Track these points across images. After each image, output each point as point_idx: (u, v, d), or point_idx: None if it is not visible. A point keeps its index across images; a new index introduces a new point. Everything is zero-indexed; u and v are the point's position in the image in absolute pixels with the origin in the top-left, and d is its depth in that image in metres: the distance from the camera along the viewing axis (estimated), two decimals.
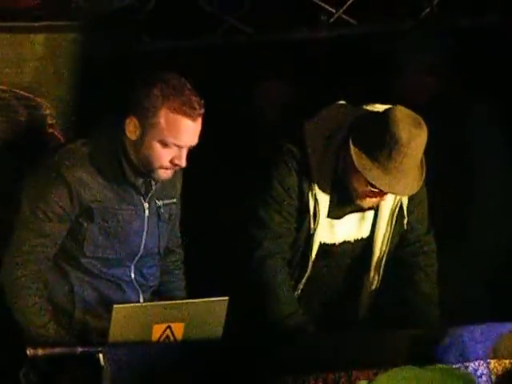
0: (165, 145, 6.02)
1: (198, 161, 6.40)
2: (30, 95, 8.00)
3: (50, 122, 7.98)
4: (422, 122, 6.17)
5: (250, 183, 6.86)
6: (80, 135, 6.62)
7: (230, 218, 7.46)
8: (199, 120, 6.05)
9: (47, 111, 8.04)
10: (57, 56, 8.10)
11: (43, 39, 8.15)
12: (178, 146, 6.01)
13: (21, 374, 5.78)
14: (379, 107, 6.38)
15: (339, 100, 6.75)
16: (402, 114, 6.10)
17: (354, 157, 6.07)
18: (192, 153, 6.16)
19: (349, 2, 9.32)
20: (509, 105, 8.91)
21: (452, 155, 8.25)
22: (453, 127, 8.49)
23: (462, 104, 9.27)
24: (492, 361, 5.95)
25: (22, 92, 8.11)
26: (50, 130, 7.99)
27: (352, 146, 6.10)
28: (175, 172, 6.25)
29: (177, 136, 6.01)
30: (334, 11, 9.38)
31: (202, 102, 6.01)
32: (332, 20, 9.44)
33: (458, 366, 5.82)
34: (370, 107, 6.51)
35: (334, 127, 6.35)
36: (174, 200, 6.60)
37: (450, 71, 9.48)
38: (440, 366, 5.36)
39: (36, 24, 8.04)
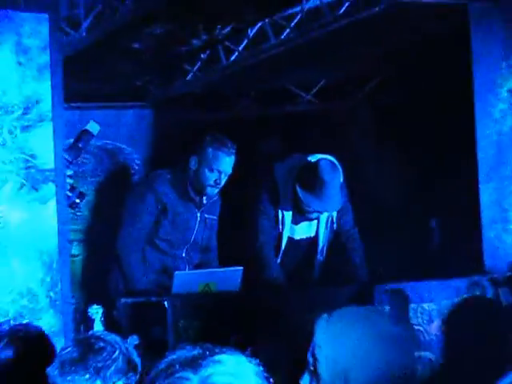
0: (211, 170, 8.83)
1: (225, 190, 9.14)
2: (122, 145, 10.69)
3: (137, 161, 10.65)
4: (338, 166, 8.76)
5: (252, 204, 9.31)
6: (155, 168, 9.56)
7: (241, 224, 9.57)
8: (232, 157, 8.82)
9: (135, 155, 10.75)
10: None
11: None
12: (219, 171, 8.86)
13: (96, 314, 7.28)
14: (316, 156, 8.86)
15: (296, 152, 9.34)
16: (326, 163, 8.67)
17: (300, 194, 8.74)
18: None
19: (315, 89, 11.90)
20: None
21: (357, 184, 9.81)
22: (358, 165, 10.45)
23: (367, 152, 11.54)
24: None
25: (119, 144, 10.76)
26: (136, 167, 10.67)
27: (299, 188, 8.75)
28: (215, 196, 9.08)
29: (217, 162, 8.81)
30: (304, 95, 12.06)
31: (235, 146, 8.74)
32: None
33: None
34: (311, 157, 8.95)
35: (291, 171, 8.94)
36: (215, 217, 9.31)
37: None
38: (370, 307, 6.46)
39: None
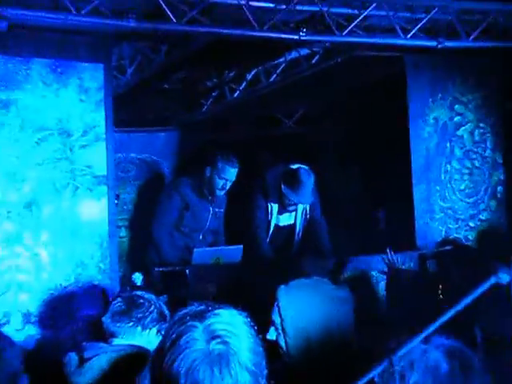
0: (220, 178, 8.82)
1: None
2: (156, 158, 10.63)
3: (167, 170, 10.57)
4: (311, 173, 8.74)
5: (250, 200, 9.20)
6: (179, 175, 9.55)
7: (242, 215, 9.33)
8: (236, 169, 8.79)
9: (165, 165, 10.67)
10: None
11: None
12: (226, 179, 8.85)
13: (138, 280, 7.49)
14: (296, 165, 8.86)
15: (281, 162, 9.29)
16: (303, 170, 8.69)
17: (284, 191, 8.71)
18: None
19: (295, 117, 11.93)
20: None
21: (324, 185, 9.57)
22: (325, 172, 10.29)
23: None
24: None
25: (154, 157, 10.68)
26: (166, 174, 10.58)
27: (283, 186, 8.73)
28: (223, 195, 9.03)
29: (224, 173, 8.81)
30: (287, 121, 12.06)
31: (238, 160, 8.74)
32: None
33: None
34: (293, 165, 8.90)
35: (277, 176, 8.92)
36: (222, 210, 9.27)
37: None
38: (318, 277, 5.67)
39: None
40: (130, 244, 10.11)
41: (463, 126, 9.39)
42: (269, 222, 9.17)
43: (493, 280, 1.05)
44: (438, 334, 2.59)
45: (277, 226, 9.23)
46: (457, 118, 9.35)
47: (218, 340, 2.33)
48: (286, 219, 9.24)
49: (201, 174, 8.94)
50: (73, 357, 4.39)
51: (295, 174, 8.76)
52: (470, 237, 9.31)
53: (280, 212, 9.13)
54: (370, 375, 1.05)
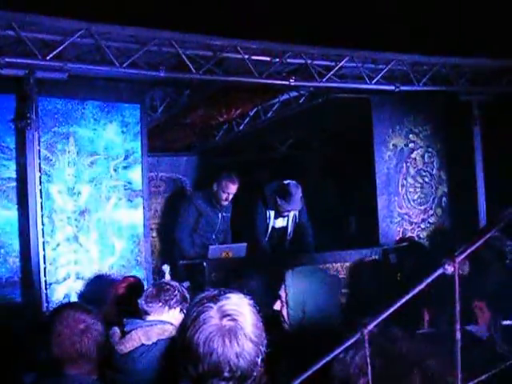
0: (223, 192, 8.74)
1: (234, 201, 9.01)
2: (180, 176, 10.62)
3: (188, 185, 10.53)
4: (299, 185, 8.61)
5: (252, 208, 9.03)
6: (197, 189, 9.51)
7: (246, 220, 9.18)
8: (236, 185, 8.72)
9: (187, 182, 10.65)
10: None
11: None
12: (228, 193, 8.77)
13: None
14: (287, 181, 8.69)
15: (276, 179, 9.06)
16: (293, 184, 8.56)
17: (278, 202, 8.58)
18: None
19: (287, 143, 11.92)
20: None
21: (309, 196, 9.37)
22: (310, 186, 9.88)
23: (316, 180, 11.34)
24: None
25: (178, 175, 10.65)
26: (188, 188, 10.50)
27: (277, 198, 8.60)
28: (228, 203, 8.89)
29: (227, 188, 8.76)
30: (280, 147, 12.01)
31: (238, 179, 8.70)
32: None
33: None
34: (285, 181, 8.71)
35: (273, 189, 8.80)
36: (228, 214, 9.14)
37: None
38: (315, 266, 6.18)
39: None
40: (159, 243, 10.06)
41: (416, 150, 9.43)
42: (267, 225, 9.08)
43: (440, 271, 1.08)
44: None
45: (273, 228, 9.13)
46: (411, 145, 9.39)
47: (229, 318, 2.38)
48: (280, 223, 9.14)
49: (210, 189, 8.89)
50: (116, 330, 4.46)
51: (286, 188, 8.70)
52: (421, 236, 9.32)
53: (276, 217, 9.04)
54: (345, 345, 1.08)
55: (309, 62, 7.80)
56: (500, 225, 1.25)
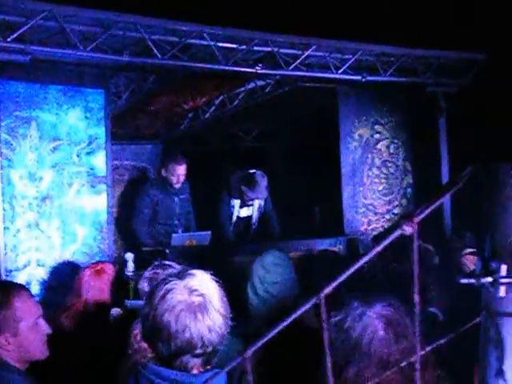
0: (172, 175, 8.67)
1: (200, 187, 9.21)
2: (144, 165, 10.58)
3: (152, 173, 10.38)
4: (264, 175, 8.69)
5: (218, 197, 9.05)
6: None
7: (211, 209, 9.17)
8: (183, 166, 8.64)
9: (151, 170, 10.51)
10: None
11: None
12: (177, 175, 8.67)
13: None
14: (253, 170, 8.77)
15: (241, 169, 9.05)
16: (258, 173, 8.62)
17: (243, 190, 8.62)
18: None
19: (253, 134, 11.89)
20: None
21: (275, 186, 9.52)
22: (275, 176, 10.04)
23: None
24: None
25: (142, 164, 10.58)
26: (152, 176, 10.27)
27: (243, 186, 8.64)
28: (182, 185, 8.81)
29: (174, 171, 8.68)
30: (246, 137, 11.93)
31: (184, 159, 8.65)
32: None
33: None
34: (250, 170, 8.79)
35: (239, 178, 8.83)
36: (185, 195, 9.05)
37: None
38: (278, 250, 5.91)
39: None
40: (122, 231, 9.97)
41: (381, 141, 9.47)
42: (232, 214, 9.09)
43: (398, 232, 1.09)
44: (380, 301, 2.57)
45: (238, 217, 9.14)
46: (376, 135, 9.43)
47: (197, 293, 2.39)
48: (245, 212, 9.16)
49: (160, 175, 8.89)
50: (117, 310, 4.64)
51: (252, 177, 8.73)
52: (386, 226, 9.31)
53: (241, 206, 9.06)
54: (302, 308, 1.08)
55: (275, 50, 7.81)
56: (459, 184, 1.27)
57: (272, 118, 10.97)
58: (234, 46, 7.57)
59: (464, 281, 1.28)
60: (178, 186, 8.86)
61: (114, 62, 7.11)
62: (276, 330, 1.28)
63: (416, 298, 1.05)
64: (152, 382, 2.37)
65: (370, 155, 9.37)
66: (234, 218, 9.16)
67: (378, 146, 9.45)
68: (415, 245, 1.02)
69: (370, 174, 9.36)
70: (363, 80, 8.46)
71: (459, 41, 8.55)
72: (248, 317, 4.18)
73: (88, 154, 7.52)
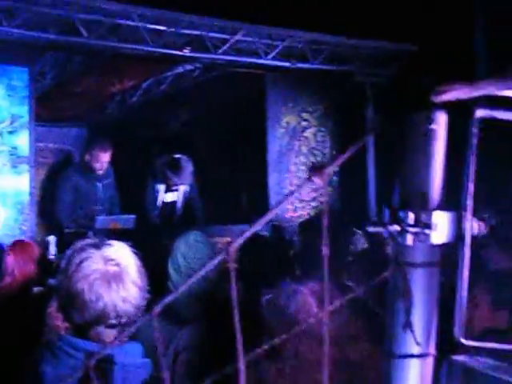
0: (96, 161, 8.63)
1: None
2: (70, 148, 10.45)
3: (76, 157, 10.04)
4: (189, 160, 8.67)
5: (144, 181, 9.05)
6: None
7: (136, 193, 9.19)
8: (108, 153, 8.64)
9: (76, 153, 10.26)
10: None
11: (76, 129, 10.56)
12: (101, 161, 8.67)
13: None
14: (178, 155, 8.75)
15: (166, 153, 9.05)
16: (183, 158, 8.63)
17: (168, 175, 8.63)
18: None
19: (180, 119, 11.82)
20: None
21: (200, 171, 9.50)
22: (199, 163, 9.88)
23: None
24: None
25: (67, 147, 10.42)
26: (75, 160, 9.90)
27: (168, 172, 8.63)
28: (106, 170, 8.76)
29: (98, 157, 8.67)
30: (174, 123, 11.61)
31: (110, 146, 8.64)
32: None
33: None
34: (175, 155, 8.76)
35: (163, 163, 8.78)
36: (109, 180, 8.97)
37: None
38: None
39: None
40: (46, 213, 9.82)
41: (308, 129, 9.56)
42: (156, 199, 9.05)
43: (308, 183, 1.09)
44: (313, 280, 2.58)
45: (163, 203, 9.11)
46: (304, 123, 9.51)
47: (113, 262, 2.36)
48: (170, 197, 9.12)
49: (84, 160, 8.84)
50: (39, 289, 4.58)
51: (177, 162, 8.73)
52: (311, 213, 9.35)
53: (166, 191, 9.03)
54: (212, 263, 1.07)
55: (204, 33, 7.80)
56: (372, 133, 1.28)
57: (200, 103, 10.86)
58: (162, 28, 7.51)
59: (371, 229, 1.29)
60: (100, 172, 8.80)
61: (38, 40, 6.97)
62: (185, 286, 1.27)
63: (325, 250, 1.05)
64: (67, 353, 2.33)
65: (296, 143, 9.45)
66: (159, 202, 9.12)
67: (305, 134, 9.52)
68: (325, 196, 1.01)
69: (297, 161, 9.43)
70: (292, 66, 8.46)
71: (390, 31, 8.55)
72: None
73: (10, 133, 7.44)
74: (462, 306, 1.33)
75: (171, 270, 4.17)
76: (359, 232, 5.47)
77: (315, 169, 1.13)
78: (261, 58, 8.29)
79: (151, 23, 7.40)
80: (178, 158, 8.77)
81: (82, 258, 2.37)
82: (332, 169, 1.11)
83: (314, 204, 9.52)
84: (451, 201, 1.31)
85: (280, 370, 2.78)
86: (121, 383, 2.29)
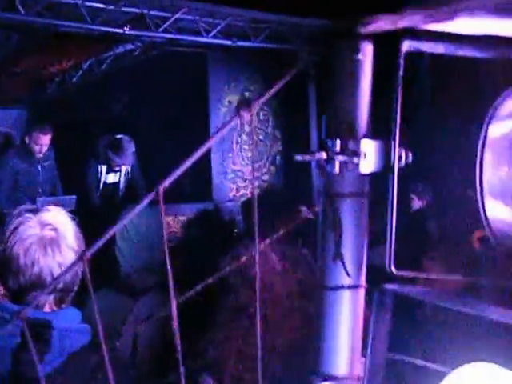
0: (36, 144, 8.44)
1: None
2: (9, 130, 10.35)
3: (16, 139, 10.10)
4: (131, 140, 8.62)
5: (84, 162, 8.99)
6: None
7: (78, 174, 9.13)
8: (48, 136, 8.48)
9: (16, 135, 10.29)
10: None
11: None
12: (40, 144, 8.49)
13: None
14: (120, 135, 8.66)
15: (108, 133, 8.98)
16: (124, 139, 8.55)
17: (110, 156, 8.55)
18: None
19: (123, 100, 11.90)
20: None
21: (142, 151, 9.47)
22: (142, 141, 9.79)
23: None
24: None
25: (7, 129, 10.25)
26: (16, 142, 9.98)
27: (109, 153, 8.56)
28: (47, 152, 8.65)
29: (38, 140, 8.47)
30: (114, 104, 12.02)
31: (51, 128, 8.50)
32: None
33: None
34: (117, 136, 8.65)
35: (105, 144, 8.69)
36: (49, 161, 8.83)
37: None
38: None
39: None
40: None
41: None
42: (98, 180, 8.98)
43: (236, 119, 1.07)
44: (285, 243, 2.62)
45: (105, 183, 9.04)
46: None
47: (50, 227, 2.33)
48: (112, 178, 9.06)
49: (23, 143, 8.70)
50: None
51: (118, 142, 8.66)
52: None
53: (107, 172, 8.96)
54: (144, 202, 1.05)
55: (145, 11, 7.71)
56: (300, 67, 1.29)
57: (142, 83, 10.78)
58: (101, 5, 7.40)
59: (299, 158, 1.31)
60: (40, 155, 8.69)
61: None
62: (115, 228, 1.26)
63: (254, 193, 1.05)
64: (4, 319, 2.30)
65: (239, 122, 9.36)
66: (101, 184, 9.05)
67: None
68: (252, 131, 1.02)
69: (240, 140, 9.45)
70: (233, 45, 8.48)
71: (331, 9, 8.63)
72: (115, 264, 4.14)
73: None
74: (391, 237, 1.35)
75: (118, 239, 4.14)
76: (304, 208, 5.53)
77: (243, 104, 1.12)
78: (202, 36, 8.26)
79: (90, 0, 7.29)
80: (120, 138, 8.69)
81: (19, 223, 2.34)
82: (258, 104, 1.10)
83: (256, 183, 9.52)
84: (380, 131, 1.33)
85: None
86: (59, 348, 2.27)
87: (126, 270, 4.08)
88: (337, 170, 1.28)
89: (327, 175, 1.31)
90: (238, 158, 9.40)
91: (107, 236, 1.27)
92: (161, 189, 1.16)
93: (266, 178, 9.60)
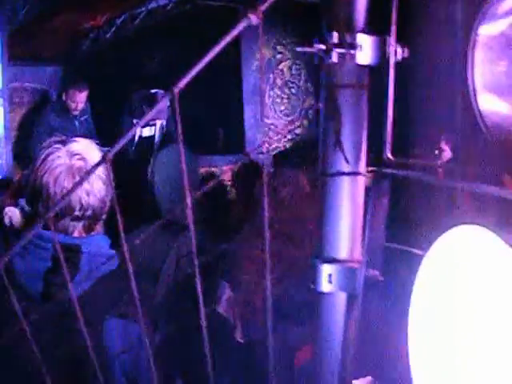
0: (72, 101, 8.88)
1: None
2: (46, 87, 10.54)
3: (54, 96, 10.18)
4: (166, 96, 9.13)
5: (119, 117, 9.19)
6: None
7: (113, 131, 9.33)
8: (84, 93, 8.90)
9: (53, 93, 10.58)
10: None
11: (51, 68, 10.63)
12: (76, 101, 8.91)
13: None
14: (155, 90, 8.90)
15: (143, 88, 9.25)
16: (159, 93, 8.66)
17: (145, 109, 8.72)
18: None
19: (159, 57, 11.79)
20: None
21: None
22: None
23: None
24: None
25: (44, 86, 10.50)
26: (53, 99, 10.07)
27: (144, 106, 8.70)
28: (84, 107, 9.02)
29: (74, 97, 8.93)
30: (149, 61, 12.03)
31: (86, 85, 8.91)
32: None
33: None
34: (152, 91, 8.95)
35: (140, 98, 8.98)
36: (87, 116, 9.23)
37: None
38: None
39: None
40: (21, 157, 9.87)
41: (283, 61, 9.57)
42: (135, 134, 9.05)
43: (244, 22, 1.11)
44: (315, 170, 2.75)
45: (140, 137, 9.16)
46: (278, 56, 9.52)
47: (78, 157, 2.42)
48: (147, 132, 9.18)
49: (60, 99, 9.00)
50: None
51: (153, 96, 8.77)
52: (287, 146, 9.46)
53: (143, 126, 9.03)
54: (157, 107, 1.10)
55: None
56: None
57: (174, 39, 10.80)
58: None
59: (300, 49, 1.38)
60: (76, 112, 8.94)
61: None
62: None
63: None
64: (36, 244, 2.41)
65: (271, 75, 9.46)
66: (137, 137, 9.14)
67: (280, 67, 9.53)
68: (261, 35, 1.09)
69: (272, 94, 9.47)
70: None
71: None
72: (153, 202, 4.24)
73: None
74: (389, 124, 1.41)
75: (156, 175, 4.25)
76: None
77: (251, 7, 1.18)
78: None
79: None
80: (155, 92, 8.80)
81: (48, 153, 2.43)
82: (267, 5, 1.16)
83: (289, 137, 9.59)
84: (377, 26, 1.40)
85: None
86: (87, 271, 2.37)
87: (164, 206, 4.17)
88: (334, 59, 1.35)
89: (326, 67, 1.37)
90: (270, 111, 9.41)
91: (129, 134, 1.35)
92: (176, 90, 1.15)
93: (298, 131, 9.60)
